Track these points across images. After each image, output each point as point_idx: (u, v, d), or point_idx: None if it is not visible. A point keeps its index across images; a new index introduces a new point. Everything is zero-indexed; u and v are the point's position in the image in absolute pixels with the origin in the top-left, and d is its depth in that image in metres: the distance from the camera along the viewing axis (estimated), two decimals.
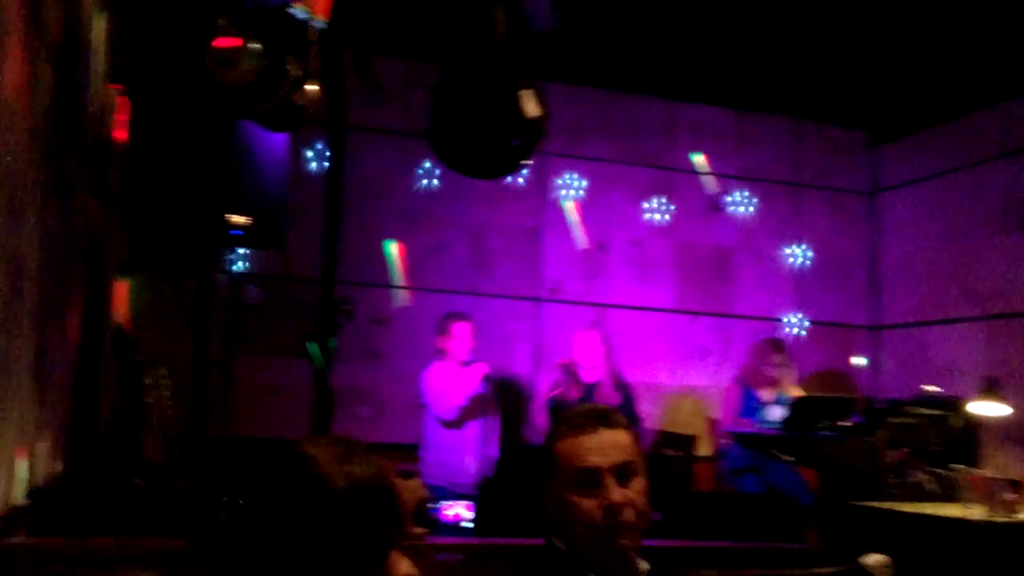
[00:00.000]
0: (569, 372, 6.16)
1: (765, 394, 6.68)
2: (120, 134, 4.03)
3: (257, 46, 3.19)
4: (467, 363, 5.98)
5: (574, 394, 6.12)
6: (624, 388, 6.22)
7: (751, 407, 6.66)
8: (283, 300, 6.35)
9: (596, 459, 2.00)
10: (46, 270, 2.94)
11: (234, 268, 6.41)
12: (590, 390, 6.12)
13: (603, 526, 1.96)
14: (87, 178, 3.81)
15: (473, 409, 5.92)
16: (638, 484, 2.02)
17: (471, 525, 4.86)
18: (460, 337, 6.00)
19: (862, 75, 7.13)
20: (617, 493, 1.98)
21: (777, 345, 6.93)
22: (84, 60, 3.56)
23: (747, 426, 6.54)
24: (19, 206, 2.47)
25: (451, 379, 5.92)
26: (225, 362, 5.73)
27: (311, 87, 3.36)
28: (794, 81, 7.36)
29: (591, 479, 1.99)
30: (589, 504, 1.97)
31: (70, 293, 3.60)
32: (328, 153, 3.52)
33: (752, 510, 5.51)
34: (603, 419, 2.06)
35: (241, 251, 6.33)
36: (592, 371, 6.10)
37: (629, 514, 1.97)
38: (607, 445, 2.02)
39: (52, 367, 3.19)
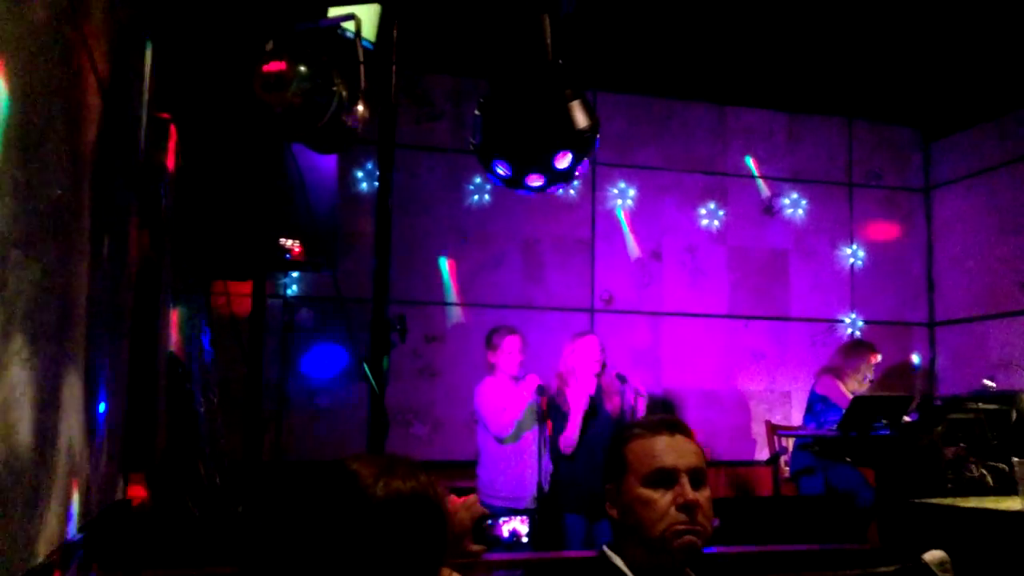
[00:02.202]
0: (563, 379, 6.02)
1: (847, 394, 6.61)
2: (170, 161, 4.03)
3: (305, 69, 3.16)
4: (518, 377, 5.90)
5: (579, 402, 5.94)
6: (636, 393, 6.02)
7: (832, 405, 6.58)
8: (337, 322, 6.35)
9: (673, 459, 2.05)
10: (97, 301, 2.92)
11: (287, 292, 6.42)
12: (594, 400, 5.97)
13: (677, 521, 2.00)
14: (137, 207, 3.81)
15: (528, 423, 5.85)
16: (706, 492, 2.07)
17: (527, 540, 4.80)
18: (510, 351, 5.91)
19: (913, 72, 7.06)
20: (692, 493, 2.02)
21: (875, 348, 6.87)
22: (132, 89, 3.56)
23: (824, 423, 6.48)
24: (69, 238, 2.45)
25: (505, 394, 5.84)
26: (280, 385, 5.76)
27: (360, 107, 3.33)
28: (845, 80, 7.30)
29: (668, 477, 2.04)
30: (664, 500, 2.02)
31: (122, 322, 3.59)
32: (378, 172, 3.48)
33: (811, 512, 5.45)
34: (677, 427, 2.12)
35: (294, 274, 6.33)
36: (591, 377, 5.93)
37: (701, 515, 2.02)
38: (683, 449, 2.08)
39: (105, 399, 3.18)
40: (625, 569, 2.05)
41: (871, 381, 6.77)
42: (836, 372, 6.75)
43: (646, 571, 2.04)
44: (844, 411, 6.39)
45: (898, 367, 8.05)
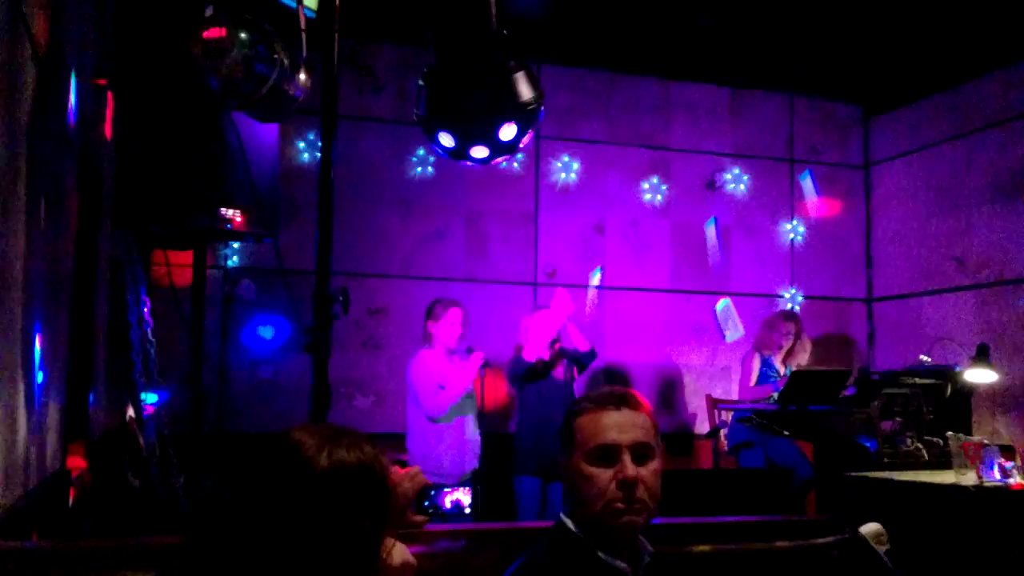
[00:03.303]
0: (521, 350, 6.11)
1: (779, 364, 6.73)
2: (107, 129, 3.96)
3: (245, 35, 3.12)
4: (454, 351, 5.89)
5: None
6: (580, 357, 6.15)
7: (767, 375, 6.75)
8: (278, 293, 6.29)
9: (615, 435, 2.06)
10: (34, 269, 2.88)
11: (228, 263, 6.35)
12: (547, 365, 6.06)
13: (616, 499, 2.02)
14: (75, 175, 3.75)
15: (466, 407, 5.85)
16: (652, 466, 2.08)
17: (470, 510, 4.84)
18: (452, 323, 5.89)
19: (854, 48, 7.14)
20: (632, 469, 2.03)
21: (789, 315, 7.06)
22: (68, 55, 3.49)
23: (759, 396, 6.60)
24: (4, 205, 2.41)
25: (441, 371, 5.81)
26: (221, 358, 5.71)
27: (302, 76, 3.30)
28: (787, 56, 7.36)
29: (609, 454, 2.05)
30: (605, 476, 2.04)
31: (60, 291, 3.55)
32: (320, 143, 3.45)
33: (750, 484, 5.53)
34: (626, 400, 2.12)
35: (234, 245, 6.26)
36: (548, 350, 6.04)
37: (642, 491, 2.03)
38: (627, 424, 2.08)
39: (43, 369, 3.14)
40: (581, 536, 2.08)
41: (789, 349, 6.84)
42: (756, 346, 6.93)
43: (600, 539, 2.07)
44: (745, 388, 6.60)
45: (837, 342, 8.17)
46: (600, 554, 2.06)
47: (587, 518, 2.06)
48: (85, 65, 3.88)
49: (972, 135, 7.39)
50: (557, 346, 6.10)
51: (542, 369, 6.01)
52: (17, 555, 2.41)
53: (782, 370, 6.76)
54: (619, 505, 2.02)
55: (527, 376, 6.01)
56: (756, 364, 6.83)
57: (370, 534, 1.63)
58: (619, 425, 2.07)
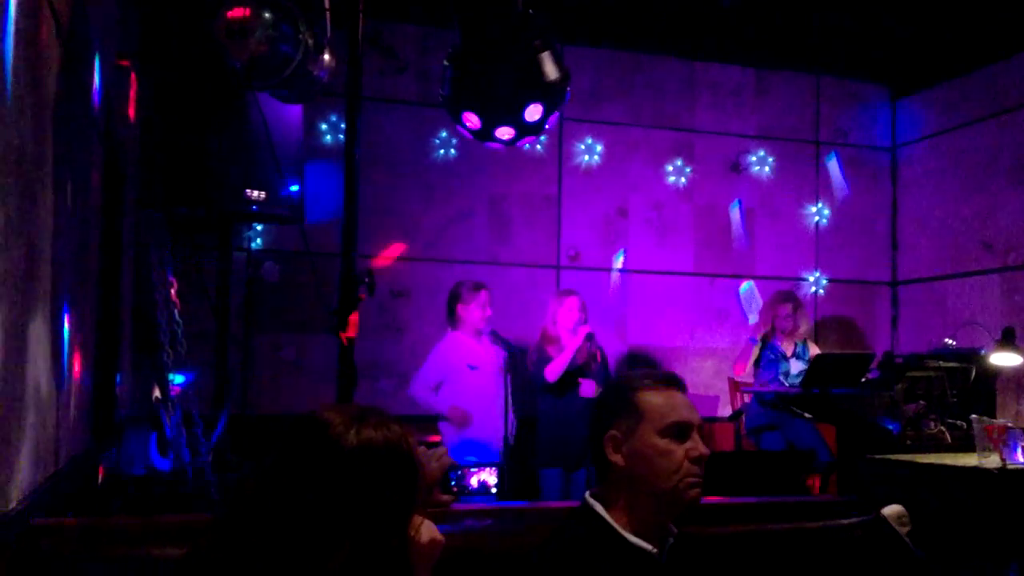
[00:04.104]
0: (549, 338, 6.08)
1: (785, 346, 6.68)
2: (131, 110, 3.97)
3: (269, 15, 3.12)
4: (482, 332, 5.89)
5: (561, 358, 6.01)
6: (601, 351, 6.11)
7: (772, 359, 6.69)
8: (303, 276, 6.29)
9: (689, 414, 2.13)
10: (62, 250, 2.89)
11: (252, 245, 6.37)
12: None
13: (691, 473, 2.08)
14: (100, 157, 3.75)
15: (498, 382, 5.84)
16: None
17: (495, 491, 4.86)
18: (483, 304, 5.88)
19: (881, 28, 7.04)
20: (704, 447, 2.11)
21: (787, 296, 6.97)
22: (93, 36, 3.49)
23: (767, 380, 6.56)
24: (32, 187, 2.41)
25: (472, 351, 5.82)
26: (245, 340, 5.72)
27: (326, 57, 3.30)
28: (814, 36, 7.27)
29: (684, 431, 2.11)
30: (680, 452, 2.08)
31: (87, 272, 3.56)
32: (343, 125, 3.44)
33: (772, 466, 5.52)
34: (681, 384, 2.20)
35: (257, 227, 6.27)
36: (572, 335, 5.99)
37: (703, 469, 2.11)
38: (691, 405, 2.16)
39: (71, 349, 3.15)
40: (608, 517, 2.09)
41: (789, 332, 6.76)
42: (760, 330, 6.90)
43: (633, 520, 2.09)
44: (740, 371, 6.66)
45: (861, 325, 8.13)
46: (626, 535, 2.07)
47: (650, 492, 2.08)
48: (109, 46, 3.88)
49: (1001, 116, 7.29)
50: (582, 357, 6.05)
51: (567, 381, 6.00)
52: (48, 532, 2.43)
53: (788, 351, 6.71)
54: (693, 479, 2.08)
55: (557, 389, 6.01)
56: (750, 349, 6.79)
57: (398, 511, 1.64)
58: (688, 405, 2.14)
